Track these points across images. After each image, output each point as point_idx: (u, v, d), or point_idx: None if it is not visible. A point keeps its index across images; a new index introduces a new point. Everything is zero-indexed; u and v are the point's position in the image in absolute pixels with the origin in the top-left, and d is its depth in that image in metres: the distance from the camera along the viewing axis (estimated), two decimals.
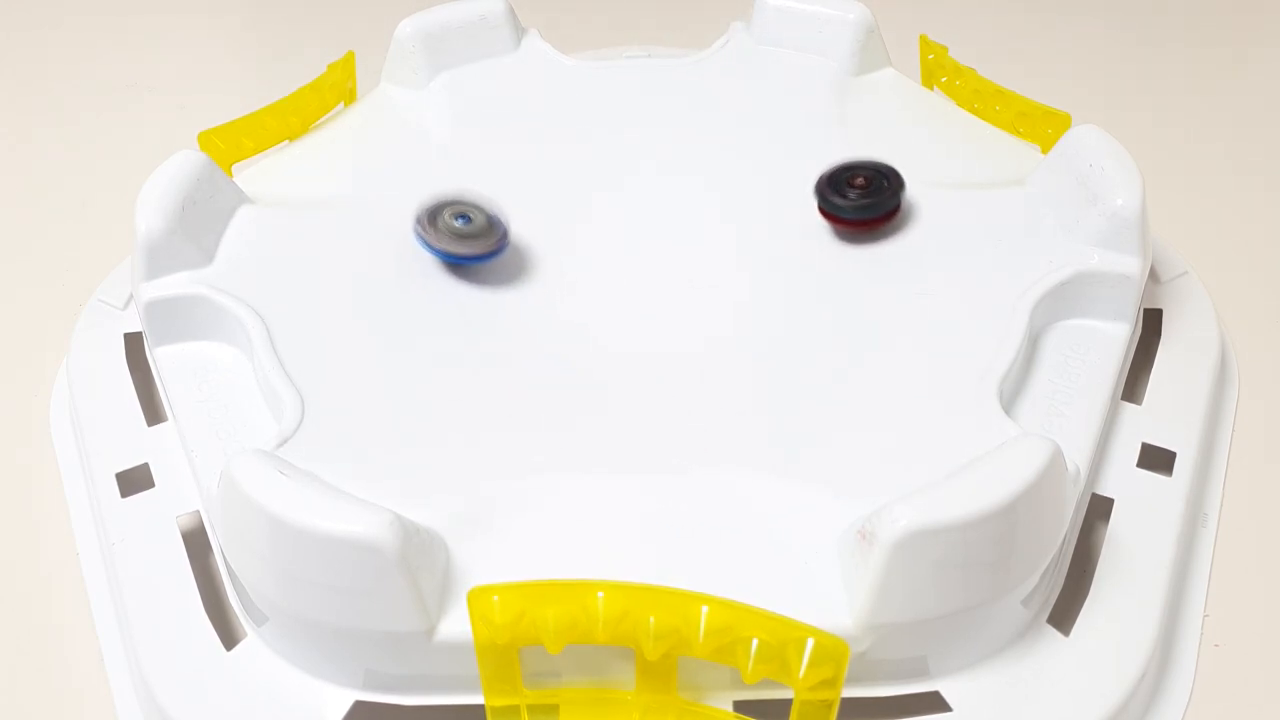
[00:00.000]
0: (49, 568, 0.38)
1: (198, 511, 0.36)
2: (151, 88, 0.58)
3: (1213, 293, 0.43)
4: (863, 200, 0.39)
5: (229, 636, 0.33)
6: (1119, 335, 0.38)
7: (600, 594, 0.29)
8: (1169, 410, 0.39)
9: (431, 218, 0.38)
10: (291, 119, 0.44)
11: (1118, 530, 0.35)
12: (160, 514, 0.36)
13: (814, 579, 0.31)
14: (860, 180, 0.39)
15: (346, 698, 0.32)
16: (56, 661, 0.35)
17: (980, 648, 0.32)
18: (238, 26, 0.63)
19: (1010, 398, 0.35)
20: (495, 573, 0.30)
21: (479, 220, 0.38)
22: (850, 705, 0.31)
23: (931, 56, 0.47)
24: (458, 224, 0.38)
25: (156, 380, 0.39)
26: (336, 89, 0.46)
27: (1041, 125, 0.43)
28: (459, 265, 0.39)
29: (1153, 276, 0.43)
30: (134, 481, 0.37)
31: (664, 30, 0.58)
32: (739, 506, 0.33)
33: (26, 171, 0.54)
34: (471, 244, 0.38)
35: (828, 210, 0.39)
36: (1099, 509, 0.36)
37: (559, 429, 0.35)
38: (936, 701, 0.32)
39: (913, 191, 0.41)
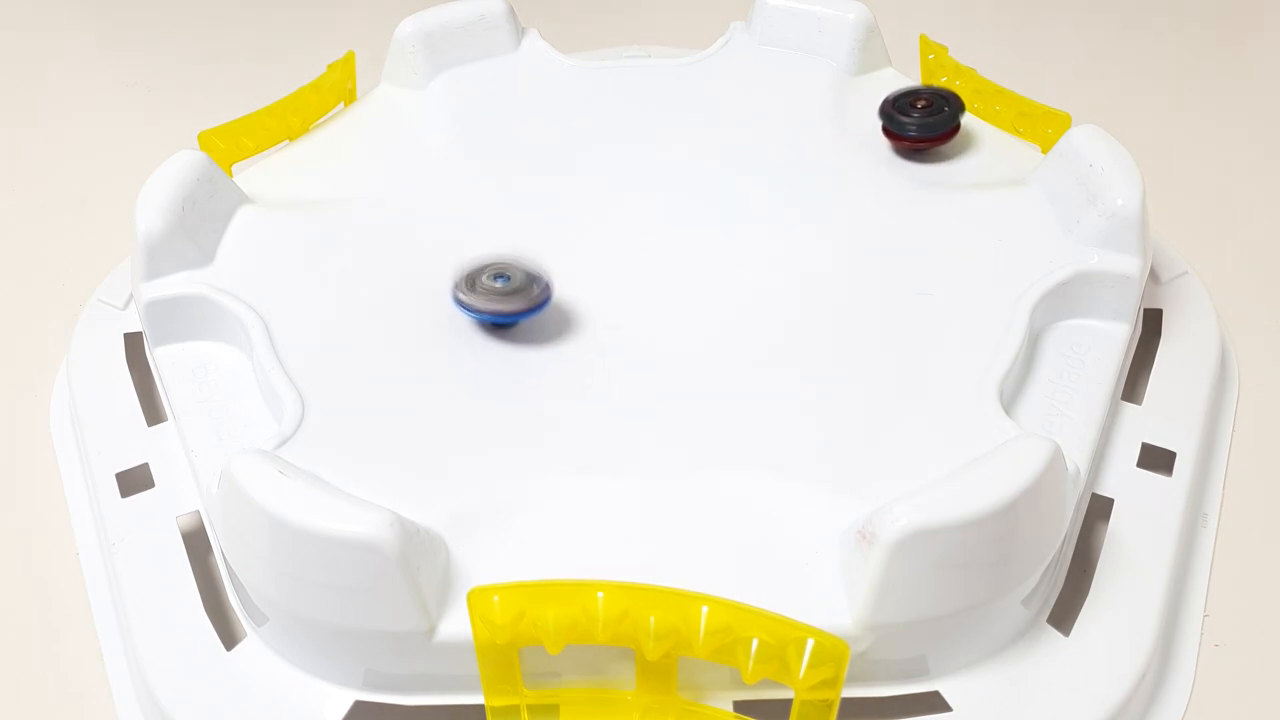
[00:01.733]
0: (49, 568, 0.38)
1: (198, 511, 0.36)
2: (151, 88, 0.58)
3: (1213, 293, 0.43)
4: (925, 119, 0.42)
5: (229, 636, 0.33)
6: (1119, 335, 0.38)
7: (600, 594, 0.29)
8: (1169, 410, 0.39)
9: (470, 281, 0.37)
10: (291, 119, 0.44)
11: (1118, 530, 0.35)
12: (160, 514, 0.36)
13: (814, 579, 0.31)
14: (922, 102, 0.42)
15: (346, 698, 0.32)
16: (56, 661, 0.35)
17: (980, 648, 0.32)
18: (238, 26, 0.63)
19: (1010, 398, 0.35)
20: (495, 573, 0.30)
21: (518, 278, 0.37)
22: (850, 705, 0.31)
23: (931, 56, 0.47)
24: (497, 284, 0.36)
25: (156, 380, 0.39)
26: (336, 89, 0.46)
27: (1041, 125, 0.43)
28: (501, 325, 0.37)
29: (1153, 276, 0.43)
30: (134, 481, 0.37)
31: (664, 30, 0.58)
32: (739, 507, 0.33)
33: (27, 171, 0.54)
34: (512, 300, 0.36)
35: (892, 129, 0.43)
36: (1099, 509, 0.36)
37: (559, 429, 0.35)
38: (936, 701, 0.32)
39: (913, 191, 0.41)
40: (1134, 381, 0.39)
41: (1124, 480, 0.36)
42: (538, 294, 0.37)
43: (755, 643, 0.28)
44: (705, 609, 0.28)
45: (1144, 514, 0.36)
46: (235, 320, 0.37)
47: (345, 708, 0.32)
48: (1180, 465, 0.37)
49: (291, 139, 0.44)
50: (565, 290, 0.39)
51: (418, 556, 0.30)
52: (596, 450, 0.34)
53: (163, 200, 0.38)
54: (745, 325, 0.38)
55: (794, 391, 0.36)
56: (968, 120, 0.45)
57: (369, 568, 0.29)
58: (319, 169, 0.43)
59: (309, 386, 0.35)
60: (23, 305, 0.47)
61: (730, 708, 0.31)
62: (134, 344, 0.41)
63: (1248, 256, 0.48)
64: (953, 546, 0.30)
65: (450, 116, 0.45)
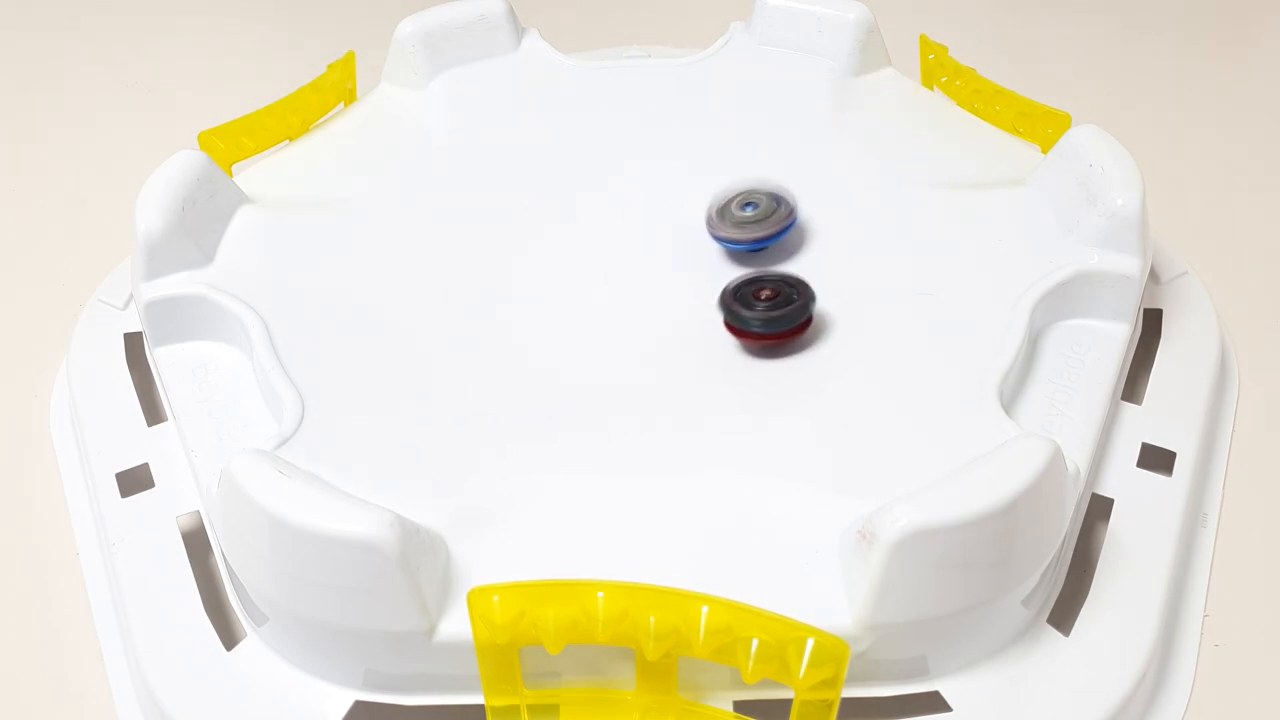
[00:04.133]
0: (49, 568, 0.38)
1: (198, 511, 0.36)
2: (151, 88, 0.58)
3: (1213, 293, 0.43)
4: (770, 313, 0.36)
5: (229, 636, 0.33)
6: (1119, 335, 0.38)
7: (600, 594, 0.29)
8: (1169, 410, 0.39)
9: (720, 212, 0.39)
10: (291, 119, 0.44)
11: (1118, 530, 0.35)
12: (160, 514, 0.36)
13: (814, 579, 0.31)
14: (767, 292, 0.36)
15: (346, 698, 0.32)
16: (56, 661, 0.35)
17: (980, 648, 0.32)
18: (238, 26, 0.63)
19: (1010, 398, 0.35)
20: (495, 573, 0.30)
21: (764, 205, 0.39)
22: (850, 705, 0.31)
23: (931, 56, 0.47)
24: (744, 212, 0.39)
25: (156, 380, 0.39)
26: (336, 89, 0.46)
27: (1041, 125, 0.43)
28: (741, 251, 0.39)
29: (1153, 276, 0.43)
30: (134, 481, 0.37)
31: (664, 30, 0.58)
32: (739, 506, 0.33)
33: (27, 171, 0.54)
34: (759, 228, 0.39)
35: (732, 324, 0.36)
36: (1099, 509, 0.36)
37: (560, 429, 0.35)
38: (936, 701, 0.32)
39: (913, 191, 0.41)
40: (1134, 381, 0.39)
41: (1124, 480, 0.36)
42: (785, 215, 0.39)
43: (755, 643, 0.28)
44: (705, 609, 0.28)
45: (1144, 514, 0.36)
46: (235, 320, 0.37)
47: (345, 708, 0.32)
48: (1180, 465, 0.37)
49: (291, 139, 0.44)
50: (564, 290, 0.39)
51: (418, 556, 0.30)
52: (597, 450, 0.34)
53: (163, 200, 0.38)
54: None
55: (794, 391, 0.36)
56: (968, 120, 0.45)
57: (369, 567, 0.29)
58: (319, 169, 0.43)
59: (309, 386, 0.35)
60: (23, 305, 0.47)
61: (730, 708, 0.31)
62: (134, 344, 0.41)
63: (1248, 256, 0.48)
64: (953, 546, 0.30)
65: (450, 116, 0.45)
